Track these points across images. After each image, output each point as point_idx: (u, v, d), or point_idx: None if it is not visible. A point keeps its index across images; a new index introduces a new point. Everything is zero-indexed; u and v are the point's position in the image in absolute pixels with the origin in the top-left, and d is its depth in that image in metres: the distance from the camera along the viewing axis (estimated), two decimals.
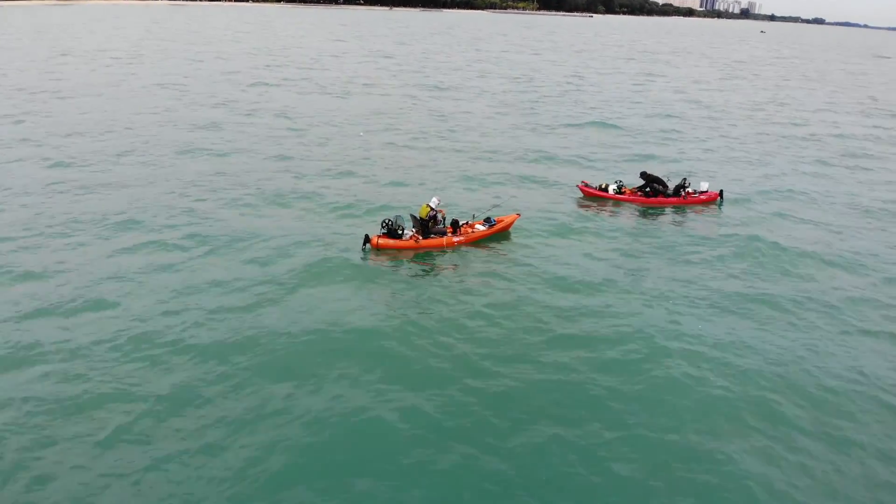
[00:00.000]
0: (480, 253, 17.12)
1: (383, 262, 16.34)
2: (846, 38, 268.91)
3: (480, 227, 17.47)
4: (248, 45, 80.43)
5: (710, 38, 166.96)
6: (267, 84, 47.03)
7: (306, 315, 13.68)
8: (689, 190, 21.89)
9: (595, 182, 23.15)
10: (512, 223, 18.19)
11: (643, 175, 22.23)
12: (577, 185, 23.08)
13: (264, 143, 29.10)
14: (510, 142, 31.36)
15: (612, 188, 22.31)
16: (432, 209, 16.88)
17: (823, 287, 16.20)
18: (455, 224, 17.14)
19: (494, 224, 17.58)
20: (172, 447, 9.92)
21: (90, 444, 10.03)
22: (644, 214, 21.35)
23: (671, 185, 21.99)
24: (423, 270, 16.07)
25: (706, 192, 21.86)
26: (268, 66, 58.54)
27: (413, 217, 17.03)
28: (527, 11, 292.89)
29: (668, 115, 40.75)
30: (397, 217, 16.85)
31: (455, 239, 16.83)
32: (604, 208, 21.72)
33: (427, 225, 16.61)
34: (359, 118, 35.39)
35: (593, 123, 36.98)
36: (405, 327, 13.33)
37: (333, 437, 10.24)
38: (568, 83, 55.22)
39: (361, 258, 16.38)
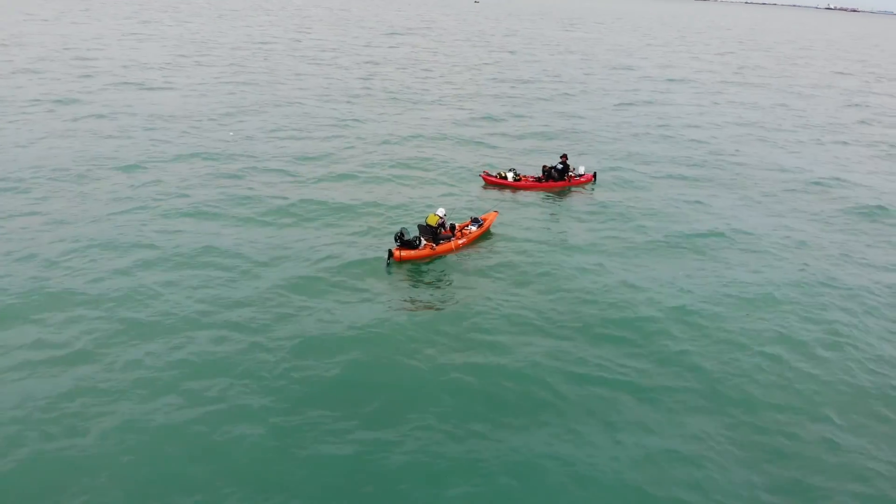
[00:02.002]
0: (476, 250, 19.50)
1: (408, 271, 17.96)
2: None
3: (472, 228, 19.75)
4: None
5: None
6: None
7: (358, 327, 15.08)
8: (571, 173, 26.56)
9: (493, 171, 26.79)
10: (493, 220, 20.75)
11: (544, 168, 26.46)
12: (480, 175, 26.47)
13: None
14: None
15: (510, 175, 26.08)
16: (441, 218, 18.75)
17: (654, 233, 21.82)
18: (452, 228, 19.24)
19: (482, 223, 19.98)
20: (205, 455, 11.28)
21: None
22: (542, 195, 25.57)
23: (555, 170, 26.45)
24: (444, 272, 18.05)
25: (583, 174, 26.77)
26: None
27: (421, 226, 18.67)
28: None
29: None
30: (403, 229, 18.34)
31: (459, 241, 18.99)
32: (515, 192, 25.57)
33: (436, 232, 18.53)
34: None
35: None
36: (457, 324, 15.55)
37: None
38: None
39: (388, 272, 17.78)
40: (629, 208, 24.24)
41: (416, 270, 18.13)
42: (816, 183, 28.79)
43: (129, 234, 19.59)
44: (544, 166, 26.58)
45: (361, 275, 17.50)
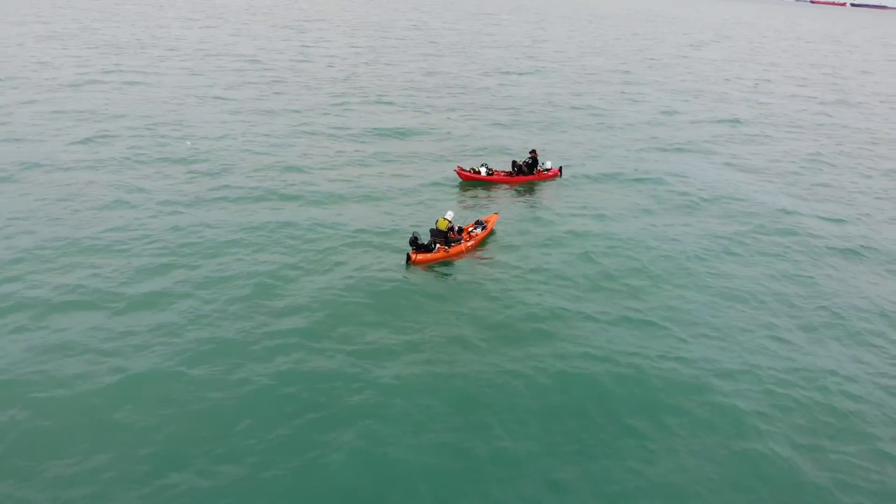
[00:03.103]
0: (484, 250, 20.54)
1: (425, 273, 18.79)
2: None
3: (477, 230, 20.62)
4: None
5: None
6: None
7: (383, 329, 15.94)
8: (540, 168, 27.93)
9: (466, 166, 27.74)
10: (495, 221, 21.71)
11: (514, 163, 27.64)
12: (455, 170, 27.36)
13: None
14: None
15: (483, 170, 27.14)
16: (450, 222, 19.55)
17: (613, 226, 23.88)
18: (460, 231, 20.09)
19: (486, 225, 20.93)
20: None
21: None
22: (516, 190, 26.84)
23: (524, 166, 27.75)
24: (459, 273, 18.98)
25: (550, 169, 28.21)
26: None
27: (432, 230, 19.44)
28: None
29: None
30: (416, 233, 19.09)
31: (468, 244, 19.91)
32: (494, 187, 26.71)
33: (447, 235, 19.37)
34: None
35: None
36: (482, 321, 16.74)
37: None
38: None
39: (405, 275, 18.50)
40: (590, 197, 26.07)
41: (433, 272, 18.97)
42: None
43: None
44: (514, 161, 27.82)
45: (378, 281, 18.23)
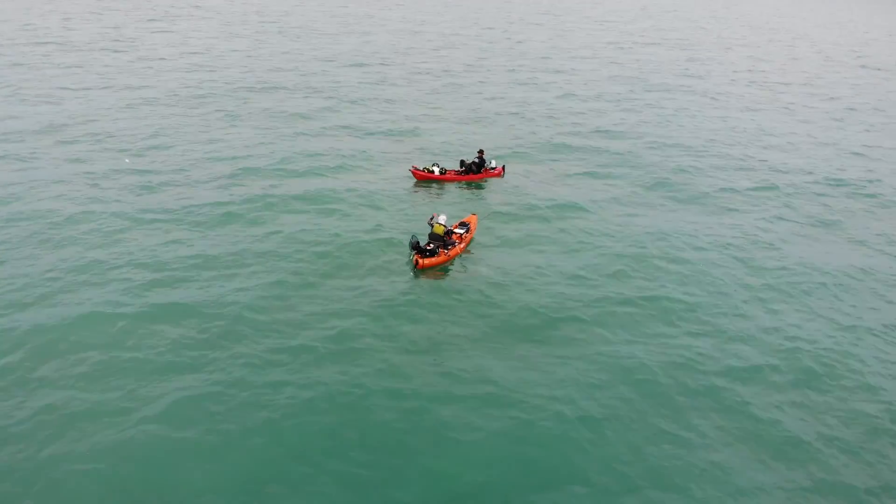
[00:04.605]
0: (474, 249, 22.21)
1: (431, 275, 20.19)
2: None
3: (460, 231, 21.95)
4: None
5: None
6: None
7: (400, 333, 17.41)
8: (486, 167, 29.80)
9: (420, 165, 29.06)
10: (476, 222, 23.18)
11: (462, 162, 29.27)
12: (409, 170, 28.57)
13: None
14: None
15: (436, 170, 28.60)
16: (445, 226, 20.83)
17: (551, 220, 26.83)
18: (450, 233, 21.31)
19: (469, 226, 22.39)
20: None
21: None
22: (464, 186, 28.65)
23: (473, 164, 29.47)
24: (462, 274, 20.50)
25: (496, 167, 30.17)
26: None
27: (431, 234, 20.64)
28: None
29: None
30: (415, 237, 20.32)
31: (461, 245, 21.30)
32: (445, 186, 28.23)
33: (445, 239, 20.64)
34: None
35: None
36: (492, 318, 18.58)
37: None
38: None
39: (413, 278, 19.86)
40: (536, 189, 28.52)
41: (439, 274, 20.41)
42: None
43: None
44: (462, 161, 29.51)
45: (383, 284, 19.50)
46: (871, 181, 32.86)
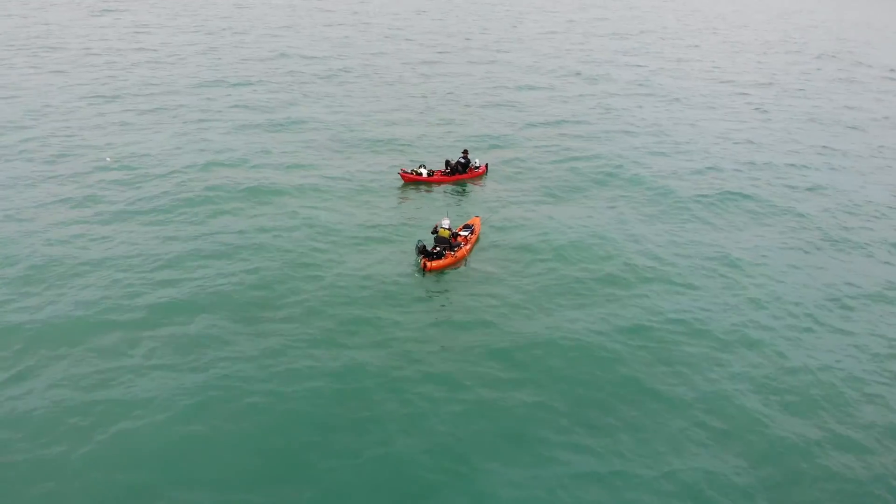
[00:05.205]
0: (479, 250, 22.73)
1: (438, 278, 20.64)
2: None
3: (465, 233, 22.39)
4: None
5: None
6: None
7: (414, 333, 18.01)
8: (471, 166, 30.27)
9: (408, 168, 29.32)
10: (480, 224, 23.67)
11: (447, 163, 29.62)
12: (398, 173, 28.83)
13: None
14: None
15: (424, 172, 28.94)
16: (450, 229, 21.25)
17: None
18: (455, 235, 21.71)
19: (473, 228, 22.86)
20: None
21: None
22: (453, 186, 29.09)
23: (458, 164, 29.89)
24: (469, 275, 20.96)
25: (479, 166, 30.66)
26: None
27: (437, 238, 21.04)
28: None
29: None
30: (422, 242, 20.78)
31: (466, 247, 21.73)
32: (431, 187, 28.59)
33: (450, 242, 21.04)
34: None
35: None
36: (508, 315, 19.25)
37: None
38: None
39: (421, 282, 20.25)
40: (526, 188, 29.23)
41: (444, 277, 20.80)
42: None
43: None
44: (447, 161, 29.92)
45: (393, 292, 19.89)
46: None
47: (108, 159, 27.71)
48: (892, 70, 67.44)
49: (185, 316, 17.86)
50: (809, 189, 31.49)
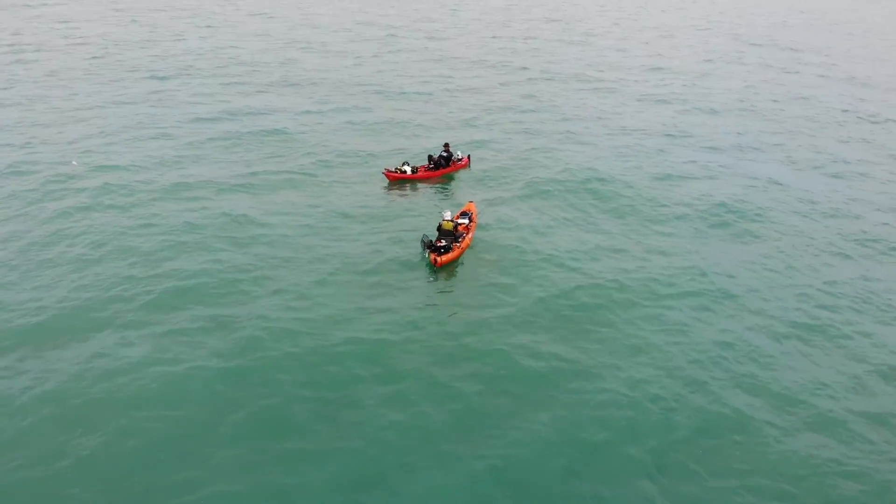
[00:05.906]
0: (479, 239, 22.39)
1: (448, 270, 20.33)
2: None
3: (464, 221, 21.99)
4: None
5: None
6: None
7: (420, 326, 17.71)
8: (454, 159, 29.81)
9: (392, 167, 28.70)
10: (475, 209, 23.38)
11: (430, 158, 29.11)
12: (382, 172, 28.18)
13: None
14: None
15: (408, 169, 28.36)
16: (452, 221, 20.83)
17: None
18: (457, 226, 21.29)
19: (470, 215, 22.53)
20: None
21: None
22: (438, 181, 28.66)
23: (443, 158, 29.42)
24: (474, 265, 20.71)
25: (462, 158, 30.24)
26: None
27: (440, 231, 20.61)
28: None
29: None
30: (426, 236, 20.30)
31: (469, 236, 21.38)
32: (417, 184, 28.10)
33: (454, 233, 20.61)
34: None
35: None
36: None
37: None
38: None
39: (431, 278, 19.88)
40: (507, 177, 28.99)
41: (453, 270, 20.47)
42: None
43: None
44: (430, 156, 29.43)
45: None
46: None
47: (74, 163, 26.80)
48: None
49: (183, 313, 17.70)
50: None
